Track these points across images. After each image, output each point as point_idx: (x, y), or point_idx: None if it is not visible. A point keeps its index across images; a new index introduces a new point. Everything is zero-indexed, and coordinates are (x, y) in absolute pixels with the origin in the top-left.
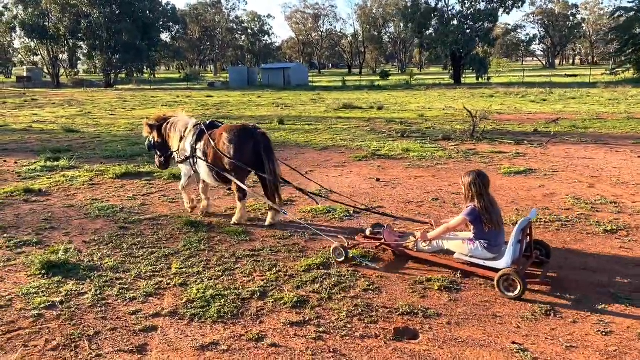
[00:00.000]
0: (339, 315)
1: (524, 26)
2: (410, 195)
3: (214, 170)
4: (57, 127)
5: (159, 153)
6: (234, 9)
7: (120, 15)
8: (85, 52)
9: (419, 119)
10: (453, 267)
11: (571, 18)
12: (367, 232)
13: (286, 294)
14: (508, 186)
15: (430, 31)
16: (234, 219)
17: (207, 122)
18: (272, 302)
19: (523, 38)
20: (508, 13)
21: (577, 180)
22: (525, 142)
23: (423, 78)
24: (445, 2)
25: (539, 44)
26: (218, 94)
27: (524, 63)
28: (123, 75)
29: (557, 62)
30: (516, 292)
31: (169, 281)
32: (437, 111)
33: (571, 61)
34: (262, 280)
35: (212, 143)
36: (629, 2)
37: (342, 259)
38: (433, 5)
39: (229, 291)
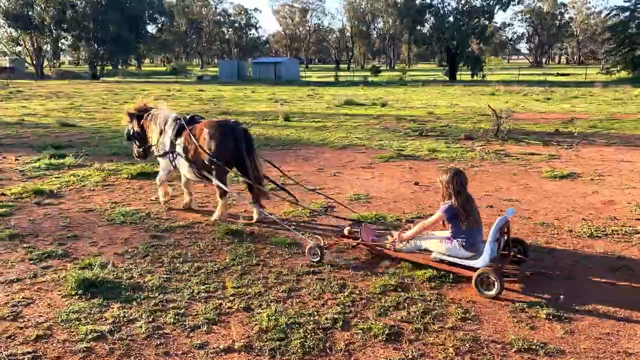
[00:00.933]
0: (446, 353)
1: (512, 24)
2: None
3: (194, 167)
4: (52, 120)
5: (137, 143)
6: (221, 2)
7: (107, 6)
8: (70, 43)
9: (429, 117)
10: (431, 267)
11: (559, 17)
12: (345, 232)
13: (373, 324)
14: (560, 192)
15: (424, 27)
16: (215, 216)
17: (187, 116)
18: (360, 333)
19: (510, 36)
20: (504, 10)
21: (630, 185)
22: (553, 142)
23: (415, 74)
24: None
25: (527, 42)
26: (210, 88)
27: (509, 61)
28: (110, 68)
29: (543, 60)
30: (494, 291)
31: (229, 304)
32: (444, 109)
33: (557, 60)
34: (337, 305)
35: (193, 139)
36: (624, 1)
37: (318, 259)
38: (429, 1)
39: (304, 318)
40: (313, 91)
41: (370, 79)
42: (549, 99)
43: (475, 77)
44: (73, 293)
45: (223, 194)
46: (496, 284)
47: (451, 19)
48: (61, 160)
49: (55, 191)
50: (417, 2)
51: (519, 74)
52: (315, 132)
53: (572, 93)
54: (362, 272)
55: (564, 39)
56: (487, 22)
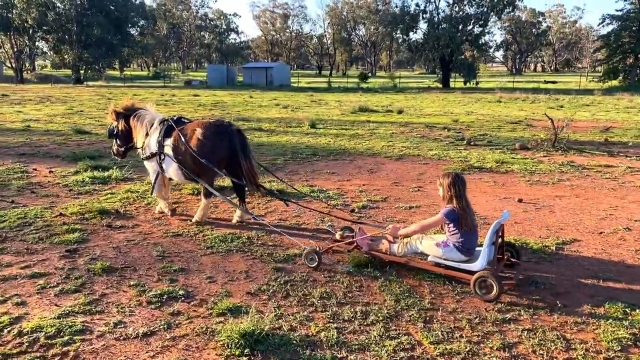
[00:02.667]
0: None
1: (493, 32)
2: (595, 223)
3: (182, 169)
4: (60, 127)
5: (119, 142)
6: (202, 6)
7: (90, 8)
8: (51, 45)
9: (458, 125)
10: (428, 270)
11: (537, 26)
12: (337, 236)
13: None
14: None
15: (417, 34)
16: (196, 217)
17: (174, 117)
18: None
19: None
20: (499, 17)
21: None
22: (619, 154)
23: (405, 81)
24: (435, 4)
25: (506, 50)
26: (203, 93)
27: (486, 69)
28: (92, 72)
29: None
30: (492, 293)
31: None
32: (463, 116)
33: (531, 67)
34: None
35: (183, 139)
36: (616, 10)
37: (315, 264)
38: (422, 7)
39: None
40: (312, 97)
41: (362, 85)
42: (562, 106)
43: (468, 84)
44: (237, 353)
45: (207, 194)
46: (494, 286)
47: (445, 25)
48: (105, 173)
49: (121, 211)
50: (412, 9)
51: (514, 81)
52: (352, 140)
53: (581, 101)
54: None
55: (541, 47)
56: (480, 29)
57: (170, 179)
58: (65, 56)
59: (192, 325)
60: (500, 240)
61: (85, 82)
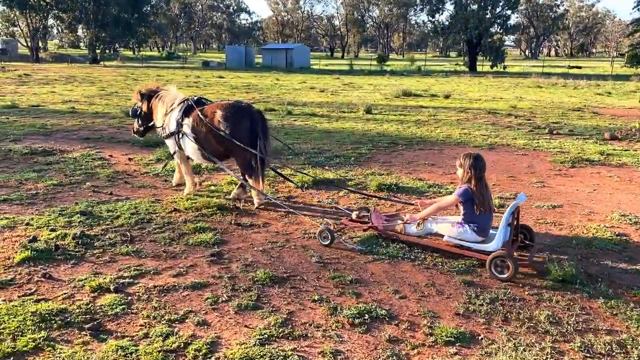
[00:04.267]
0: None
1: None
2: None
3: (201, 150)
4: (106, 109)
5: (139, 122)
6: None
7: None
8: (67, 24)
9: (516, 111)
10: (442, 250)
11: (554, 9)
12: (354, 216)
13: None
14: None
15: (442, 16)
16: (255, 201)
17: (195, 97)
18: None
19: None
20: None
21: None
22: None
23: (427, 64)
24: None
25: (521, 34)
26: (228, 75)
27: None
28: (110, 52)
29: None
30: (507, 274)
31: None
32: (515, 101)
33: (545, 52)
34: None
35: (205, 120)
36: None
37: (328, 242)
38: None
39: None
40: (341, 80)
41: (385, 67)
42: (609, 93)
43: (495, 68)
44: None
45: (250, 174)
46: (510, 267)
47: (474, 7)
48: (193, 163)
49: (239, 206)
50: None
51: (543, 66)
52: (421, 127)
53: (624, 87)
54: None
55: (558, 30)
56: (509, 12)
57: (188, 157)
58: (82, 35)
59: (424, 357)
60: (515, 222)
61: (102, 62)
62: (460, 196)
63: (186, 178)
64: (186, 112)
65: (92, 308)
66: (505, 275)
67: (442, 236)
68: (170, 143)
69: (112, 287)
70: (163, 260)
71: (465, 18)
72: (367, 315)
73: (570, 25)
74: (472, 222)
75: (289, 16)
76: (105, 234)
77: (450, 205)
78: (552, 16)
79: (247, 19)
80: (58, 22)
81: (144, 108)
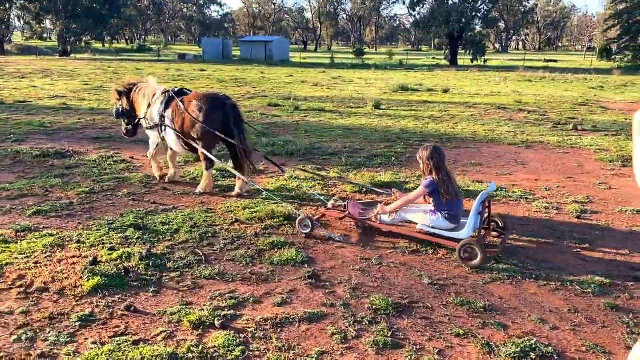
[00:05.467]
0: None
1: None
2: None
3: (181, 139)
4: (100, 105)
5: (126, 121)
6: None
7: None
8: (34, 15)
9: (521, 106)
10: (415, 238)
11: (524, 3)
12: (329, 205)
13: None
14: None
15: (423, 9)
16: (199, 188)
17: (176, 89)
18: None
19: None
20: None
21: None
22: None
23: (405, 58)
24: None
25: (493, 28)
26: (209, 68)
27: None
28: (82, 44)
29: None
30: (476, 261)
31: None
32: (516, 96)
33: (513, 46)
34: None
35: (182, 107)
36: None
37: (308, 230)
38: None
39: None
40: (328, 74)
41: (367, 61)
42: (602, 87)
43: (476, 62)
44: None
45: (209, 165)
46: (479, 254)
47: (456, 0)
48: (228, 165)
49: (311, 215)
50: None
51: (524, 59)
52: (440, 123)
53: (613, 81)
54: None
55: (527, 25)
56: (490, 6)
57: (172, 149)
58: (51, 27)
59: None
60: (487, 211)
61: (73, 55)
62: (427, 187)
63: (152, 164)
64: (167, 104)
65: (205, 352)
66: (474, 262)
67: (416, 224)
68: (152, 135)
69: (216, 323)
70: (255, 285)
71: (447, 11)
72: (532, 354)
73: (539, 19)
74: (443, 210)
75: (261, 8)
76: (173, 252)
77: (417, 197)
78: (522, 10)
79: (218, 11)
80: (24, 12)
81: (125, 105)
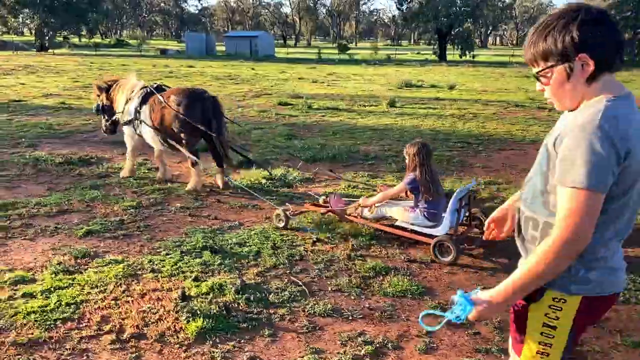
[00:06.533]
0: None
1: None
2: None
3: (159, 135)
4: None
5: (106, 117)
6: None
7: None
8: (9, 8)
9: (542, 104)
10: (395, 234)
11: None
12: (321, 200)
13: None
14: None
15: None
16: (189, 186)
17: (154, 85)
18: None
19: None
20: None
21: None
22: None
23: (392, 53)
24: None
25: (480, 24)
26: (196, 64)
27: None
28: (61, 39)
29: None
30: (449, 257)
31: None
32: (523, 93)
33: (491, 41)
34: None
35: (163, 100)
36: None
37: (283, 224)
38: None
39: None
40: (320, 70)
41: (355, 57)
42: None
43: (464, 58)
44: None
45: (195, 162)
46: (452, 251)
47: None
48: (278, 172)
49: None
50: None
51: (512, 55)
52: (468, 122)
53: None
54: None
55: (506, 20)
56: (478, 1)
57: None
58: (28, 21)
59: None
60: (466, 207)
61: (51, 50)
62: (408, 185)
63: (128, 161)
64: (144, 99)
65: None
66: (447, 259)
67: (395, 220)
68: (128, 131)
69: None
70: (383, 324)
71: (435, 7)
72: None
73: (517, 14)
74: (422, 207)
75: (239, 2)
76: (268, 282)
77: (396, 194)
78: (501, 6)
79: (196, 5)
80: None
81: (105, 101)
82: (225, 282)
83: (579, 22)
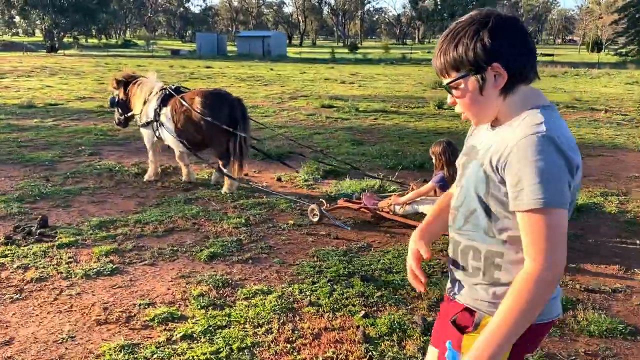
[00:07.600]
0: None
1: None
2: None
3: (182, 137)
4: None
5: (120, 111)
6: None
7: None
8: (19, 10)
9: (581, 104)
10: None
11: None
12: (354, 197)
13: None
14: None
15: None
16: (224, 189)
17: (173, 86)
18: None
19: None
20: None
21: None
22: None
23: (406, 52)
24: None
25: None
26: (213, 64)
27: None
28: (70, 39)
29: None
30: None
31: None
32: (563, 93)
33: None
34: None
35: (186, 104)
36: None
37: (317, 219)
38: None
39: None
40: (340, 70)
41: (369, 56)
42: (636, 82)
43: None
44: None
45: (225, 163)
46: None
47: None
48: (364, 183)
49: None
50: None
51: None
52: None
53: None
54: None
55: None
56: None
57: (168, 146)
58: (38, 22)
59: None
60: None
61: (61, 51)
62: (437, 183)
63: (150, 163)
64: (164, 100)
65: None
66: None
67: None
68: (146, 133)
69: None
70: None
71: (451, 4)
72: None
73: (522, 12)
74: None
75: (243, 2)
76: None
77: (428, 191)
78: (507, 4)
79: (200, 5)
80: (6, 7)
81: (121, 95)
82: (402, 319)
83: (490, 29)
